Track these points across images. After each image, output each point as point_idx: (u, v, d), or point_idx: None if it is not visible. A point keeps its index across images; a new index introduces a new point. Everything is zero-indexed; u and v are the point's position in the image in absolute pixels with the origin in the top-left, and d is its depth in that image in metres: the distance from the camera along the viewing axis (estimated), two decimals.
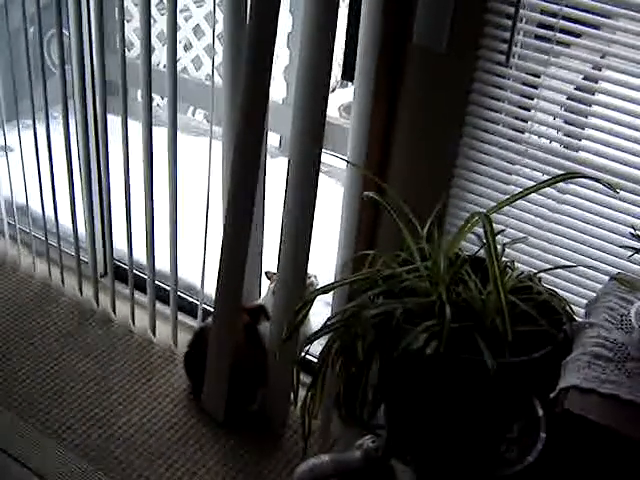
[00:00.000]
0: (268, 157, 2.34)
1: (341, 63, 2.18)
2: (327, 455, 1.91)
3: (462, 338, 1.46)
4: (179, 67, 4.25)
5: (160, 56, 4.18)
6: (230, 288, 2.30)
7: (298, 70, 2.01)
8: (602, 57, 1.81)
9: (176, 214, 2.50)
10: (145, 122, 2.38)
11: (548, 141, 1.91)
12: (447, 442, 1.61)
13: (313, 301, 1.70)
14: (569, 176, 1.62)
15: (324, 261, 2.42)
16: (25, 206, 2.93)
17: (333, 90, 3.96)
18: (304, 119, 2.03)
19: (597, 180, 1.59)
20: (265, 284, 2.56)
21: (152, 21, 2.42)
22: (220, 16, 2.22)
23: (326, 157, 2.11)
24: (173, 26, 2.23)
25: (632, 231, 1.56)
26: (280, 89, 4.00)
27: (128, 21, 3.75)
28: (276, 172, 2.39)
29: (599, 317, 1.58)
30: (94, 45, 2.44)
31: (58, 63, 2.53)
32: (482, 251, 1.49)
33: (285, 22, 3.79)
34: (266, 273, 2.50)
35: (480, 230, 1.48)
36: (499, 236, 1.73)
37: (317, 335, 1.61)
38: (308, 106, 2.01)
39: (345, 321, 1.57)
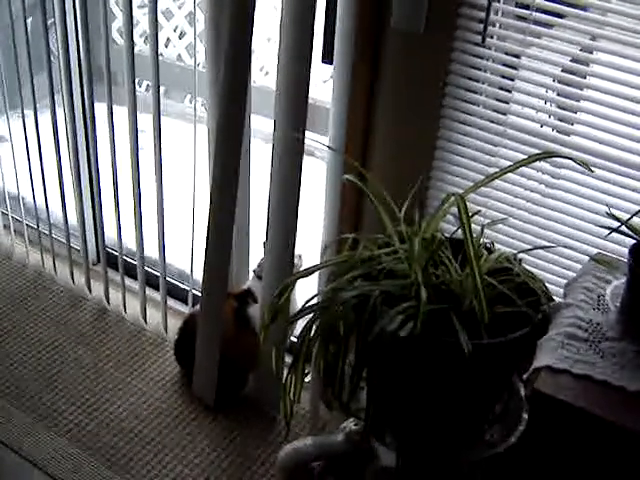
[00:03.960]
0: (262, 142, 2.33)
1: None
2: (310, 438, 1.92)
3: (440, 320, 1.45)
4: (174, 55, 4.24)
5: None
6: (217, 273, 2.31)
7: (280, 55, 2.01)
8: (592, 39, 1.79)
9: (162, 199, 2.49)
10: (130, 108, 2.38)
11: (529, 122, 1.90)
12: (427, 424, 1.61)
13: (294, 284, 1.70)
14: (543, 156, 1.60)
15: (314, 242, 2.41)
16: (17, 195, 2.94)
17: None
18: (287, 102, 2.03)
19: (572, 159, 1.58)
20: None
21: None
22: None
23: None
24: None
25: (607, 210, 1.55)
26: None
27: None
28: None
29: (576, 297, 1.57)
30: (80, 33, 2.45)
31: (44, 53, 2.53)
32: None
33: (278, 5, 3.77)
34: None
35: None
36: (480, 217, 1.73)
37: (296, 317, 1.61)
38: (291, 90, 2.01)
39: (322, 303, 1.57)
